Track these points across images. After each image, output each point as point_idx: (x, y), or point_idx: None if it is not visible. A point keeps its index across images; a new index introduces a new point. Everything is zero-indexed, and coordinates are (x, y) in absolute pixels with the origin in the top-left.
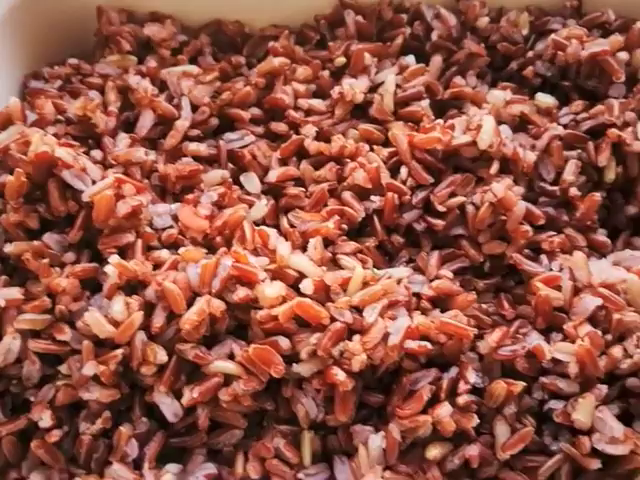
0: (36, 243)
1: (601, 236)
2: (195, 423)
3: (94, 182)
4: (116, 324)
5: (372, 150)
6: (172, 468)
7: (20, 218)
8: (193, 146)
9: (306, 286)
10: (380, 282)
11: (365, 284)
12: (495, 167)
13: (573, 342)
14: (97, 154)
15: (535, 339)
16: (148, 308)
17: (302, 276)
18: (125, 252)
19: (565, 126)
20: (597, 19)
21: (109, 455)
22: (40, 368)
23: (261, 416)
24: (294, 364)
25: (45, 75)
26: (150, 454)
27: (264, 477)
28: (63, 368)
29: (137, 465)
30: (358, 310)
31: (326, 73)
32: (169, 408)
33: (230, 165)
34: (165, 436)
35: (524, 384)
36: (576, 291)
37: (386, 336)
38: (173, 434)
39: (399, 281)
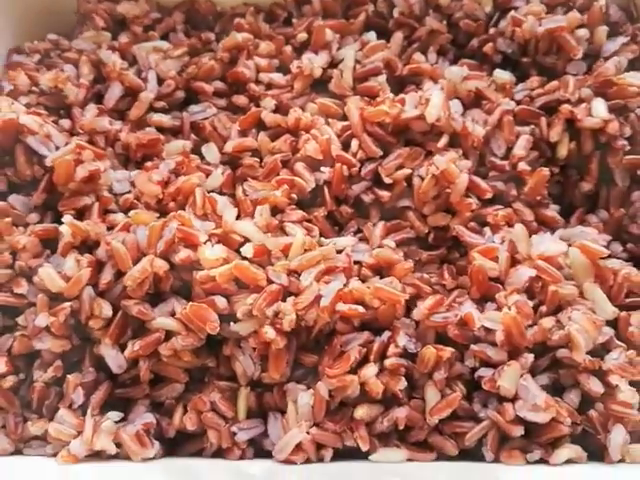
0: (2, 204)
1: (551, 211)
2: (139, 376)
3: (57, 148)
4: (67, 280)
5: (328, 124)
6: (113, 416)
7: None
8: (157, 117)
9: (246, 250)
10: (319, 248)
11: (306, 250)
12: (444, 141)
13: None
14: (66, 123)
15: (468, 308)
16: (100, 266)
17: (247, 241)
18: (83, 214)
19: (520, 102)
20: None
21: (59, 402)
22: (0, 319)
23: (204, 372)
24: (232, 323)
25: (26, 50)
26: (94, 402)
27: (200, 429)
28: (20, 319)
29: (85, 412)
30: (298, 274)
31: (288, 48)
32: (114, 360)
33: (193, 136)
34: (111, 386)
35: (452, 350)
36: (514, 263)
37: (318, 298)
38: (119, 385)
39: (341, 250)
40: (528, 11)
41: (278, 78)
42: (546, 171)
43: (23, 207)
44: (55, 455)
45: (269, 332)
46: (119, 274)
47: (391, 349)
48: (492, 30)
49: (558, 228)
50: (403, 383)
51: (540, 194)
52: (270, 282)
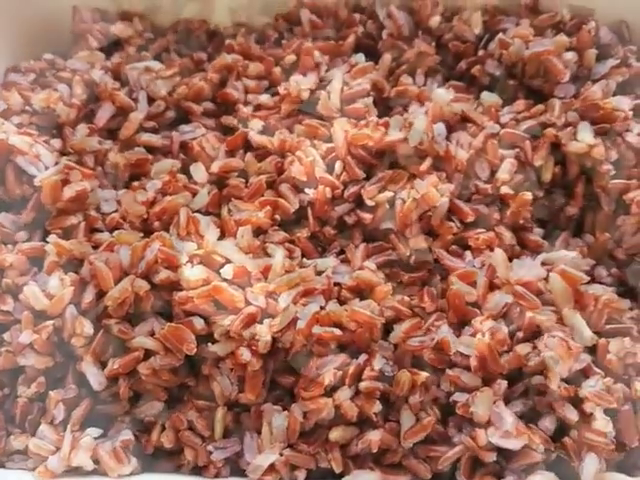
0: None
1: (534, 235)
2: (119, 393)
3: (47, 168)
4: (51, 298)
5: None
6: (92, 432)
7: None
8: (146, 137)
9: (226, 271)
10: (298, 270)
11: (286, 272)
12: (427, 164)
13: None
14: (57, 142)
15: (444, 332)
16: (83, 285)
17: (228, 262)
18: (71, 233)
19: (505, 125)
20: (551, 19)
21: (42, 417)
22: None
23: (184, 391)
24: (210, 344)
25: (22, 69)
26: (75, 418)
27: (178, 446)
28: (6, 336)
29: (65, 428)
30: (277, 296)
31: (278, 70)
32: (95, 377)
33: (182, 156)
34: (92, 403)
35: (427, 375)
36: (493, 288)
37: (295, 321)
38: (100, 402)
39: (322, 271)
40: (516, 34)
41: (266, 99)
42: (529, 195)
43: (12, 225)
44: (35, 469)
45: (245, 354)
46: (101, 293)
47: (367, 372)
48: (481, 52)
49: (542, 252)
50: (378, 406)
51: (523, 218)
52: (249, 303)
